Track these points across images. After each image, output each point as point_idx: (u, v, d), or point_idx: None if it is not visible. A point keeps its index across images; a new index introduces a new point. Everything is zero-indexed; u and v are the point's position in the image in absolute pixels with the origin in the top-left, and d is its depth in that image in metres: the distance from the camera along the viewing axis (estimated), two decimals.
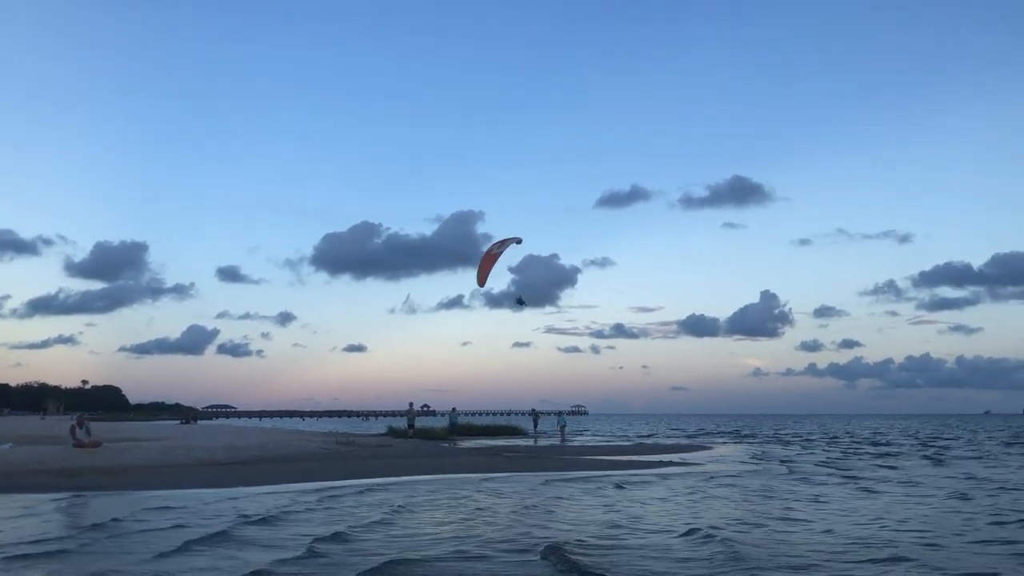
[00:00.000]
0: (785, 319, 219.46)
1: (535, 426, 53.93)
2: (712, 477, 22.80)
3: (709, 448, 40.68)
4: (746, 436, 59.69)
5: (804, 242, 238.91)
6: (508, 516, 14.09)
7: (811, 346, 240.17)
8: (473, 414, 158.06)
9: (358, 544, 10.98)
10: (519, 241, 28.02)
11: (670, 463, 28.91)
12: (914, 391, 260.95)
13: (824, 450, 38.87)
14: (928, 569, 9.25)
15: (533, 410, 56.21)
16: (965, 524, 13.22)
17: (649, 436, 59.73)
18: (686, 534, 11.96)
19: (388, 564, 9.44)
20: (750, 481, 21.58)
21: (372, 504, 15.83)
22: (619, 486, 19.67)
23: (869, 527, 12.77)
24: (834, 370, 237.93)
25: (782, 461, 30.33)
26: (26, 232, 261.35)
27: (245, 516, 13.75)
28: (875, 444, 45.06)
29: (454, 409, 55.54)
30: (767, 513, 14.69)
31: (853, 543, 11.05)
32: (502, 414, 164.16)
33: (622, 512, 14.75)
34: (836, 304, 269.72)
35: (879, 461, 30.07)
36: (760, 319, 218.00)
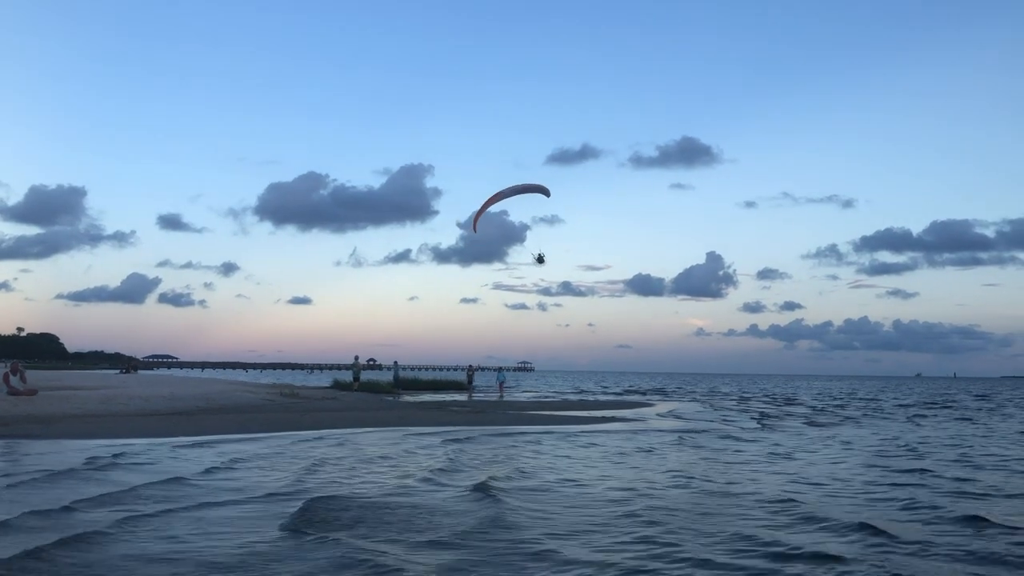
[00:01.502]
0: (729, 280, 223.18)
1: (470, 382, 54.70)
2: (633, 434, 23.56)
3: (643, 406, 41.70)
4: (675, 393, 61.41)
5: (750, 204, 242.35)
6: (440, 466, 14.47)
7: (753, 307, 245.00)
8: (419, 369, 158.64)
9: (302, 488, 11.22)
10: (546, 192, 27.19)
11: (600, 419, 29.68)
12: (851, 353, 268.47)
13: (730, 408, 40.38)
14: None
15: (469, 366, 56.90)
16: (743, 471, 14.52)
17: (584, 392, 61.17)
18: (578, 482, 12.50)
19: (317, 499, 9.72)
20: (653, 439, 22.35)
21: (320, 454, 16.06)
22: (538, 442, 20.14)
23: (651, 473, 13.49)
24: (775, 331, 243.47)
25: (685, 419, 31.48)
26: None
27: (191, 465, 13.85)
28: (785, 404, 46.79)
29: (396, 363, 55.76)
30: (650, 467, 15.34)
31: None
32: (448, 369, 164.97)
33: (542, 462, 15.35)
34: (779, 267, 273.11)
35: (767, 421, 31.01)
36: (705, 280, 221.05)
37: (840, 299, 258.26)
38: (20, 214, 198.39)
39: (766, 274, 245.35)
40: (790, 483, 13.41)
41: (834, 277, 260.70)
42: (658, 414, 34.74)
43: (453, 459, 15.74)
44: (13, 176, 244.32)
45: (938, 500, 11.75)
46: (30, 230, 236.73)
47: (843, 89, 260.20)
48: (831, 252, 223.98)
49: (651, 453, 17.97)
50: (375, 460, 15.47)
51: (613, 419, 29.91)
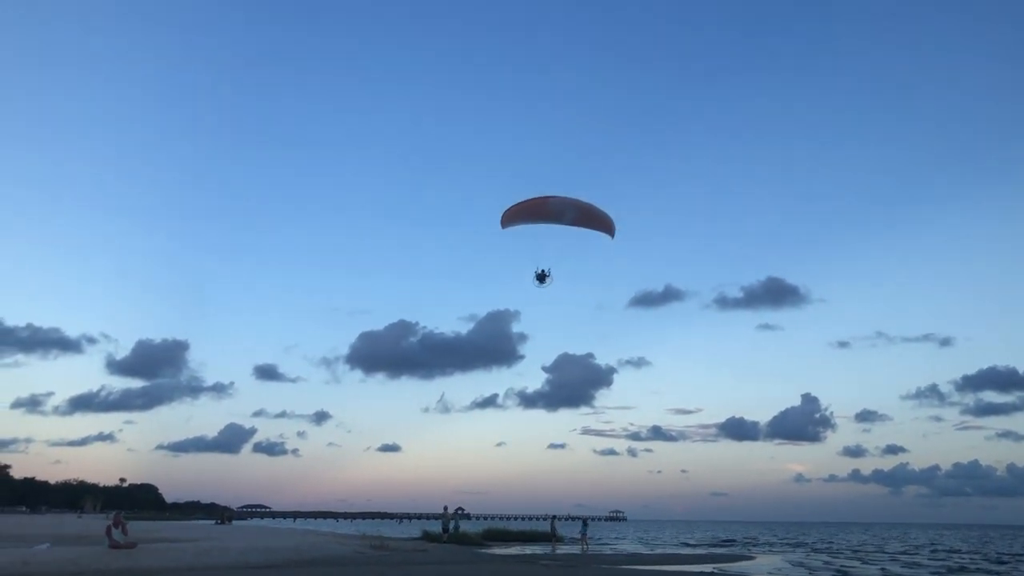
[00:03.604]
0: (827, 423, 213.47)
1: (554, 533, 53.03)
2: None
3: (751, 558, 39.42)
4: (790, 545, 57.68)
5: (843, 344, 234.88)
6: None
7: (854, 451, 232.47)
8: (508, 518, 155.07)
9: None
10: (610, 232, 23.63)
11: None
12: (963, 499, 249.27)
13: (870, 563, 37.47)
14: None
15: (553, 517, 55.52)
16: None
17: (686, 544, 58.11)
18: None
19: None
20: None
21: None
22: None
23: None
24: (879, 476, 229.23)
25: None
26: (72, 330, 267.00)
27: None
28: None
29: (446, 508, 54.04)
30: None
31: None
32: (537, 518, 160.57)
33: None
34: (878, 408, 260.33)
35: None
36: (801, 423, 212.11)
37: (946, 442, 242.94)
38: (127, 367, 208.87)
39: (865, 416, 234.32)
40: None
41: (938, 419, 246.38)
42: (769, 573, 32.73)
43: None
44: (122, 331, 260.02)
45: None
46: (135, 383, 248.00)
47: (932, 225, 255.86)
48: (932, 393, 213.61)
49: None
50: None
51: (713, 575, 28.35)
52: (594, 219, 24.77)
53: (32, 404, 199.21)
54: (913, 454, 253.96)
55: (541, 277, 25.04)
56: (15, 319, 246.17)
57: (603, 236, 24.92)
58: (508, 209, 25.23)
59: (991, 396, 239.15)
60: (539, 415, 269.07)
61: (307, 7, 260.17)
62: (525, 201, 24.59)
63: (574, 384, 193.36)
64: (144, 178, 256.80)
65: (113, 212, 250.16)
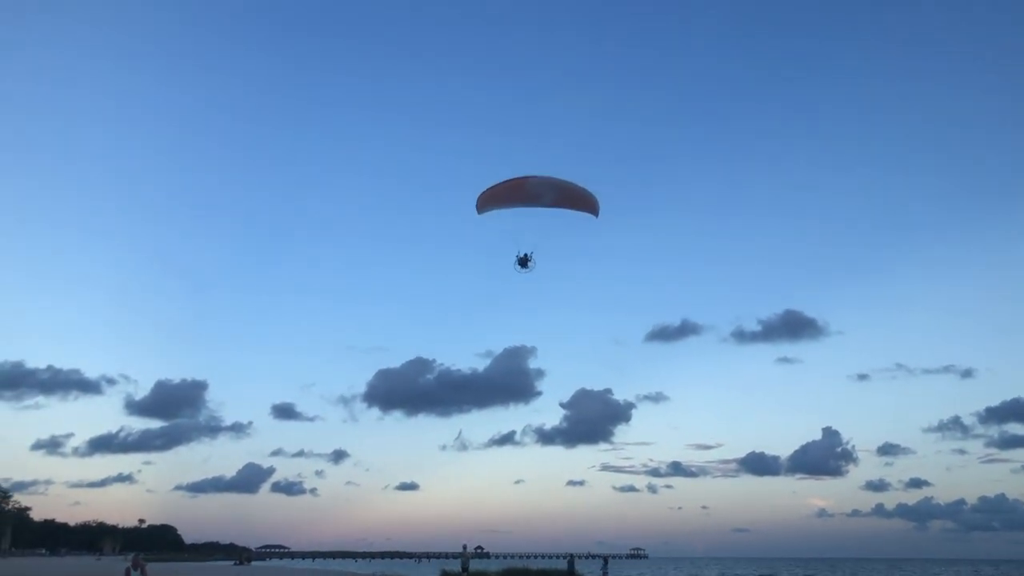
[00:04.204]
0: (849, 457, 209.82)
1: (572, 571, 52.57)
2: None
3: None
4: None
5: (862, 377, 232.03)
6: None
7: (877, 485, 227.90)
8: (528, 556, 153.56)
9: None
10: (594, 211, 21.23)
11: None
12: (991, 534, 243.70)
13: None
14: None
15: (570, 556, 55.30)
16: None
17: None
18: None
19: None
20: None
21: None
22: None
23: None
24: (903, 511, 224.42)
25: None
26: (91, 372, 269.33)
27: None
28: None
29: (479, 548, 54.29)
30: None
31: None
32: (556, 556, 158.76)
33: None
34: (901, 441, 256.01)
35: None
36: (823, 457, 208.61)
37: (971, 475, 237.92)
38: (146, 408, 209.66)
39: (887, 450, 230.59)
40: None
41: (961, 451, 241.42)
42: None
43: None
44: (141, 372, 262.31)
45: None
46: (154, 423, 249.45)
47: (951, 255, 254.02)
48: (955, 425, 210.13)
49: None
50: None
51: None
52: (576, 199, 23.63)
53: (52, 445, 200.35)
54: (937, 488, 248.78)
55: (523, 261, 24.05)
56: (36, 361, 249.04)
57: (587, 216, 23.61)
58: (484, 192, 24.03)
59: (1016, 428, 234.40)
60: (557, 452, 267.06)
61: (331, 42, 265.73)
62: (502, 183, 23.24)
63: (592, 420, 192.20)
64: (162, 220, 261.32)
65: (130, 255, 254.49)
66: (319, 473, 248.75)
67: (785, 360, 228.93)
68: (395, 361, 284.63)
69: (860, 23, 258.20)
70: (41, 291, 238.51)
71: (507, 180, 23.14)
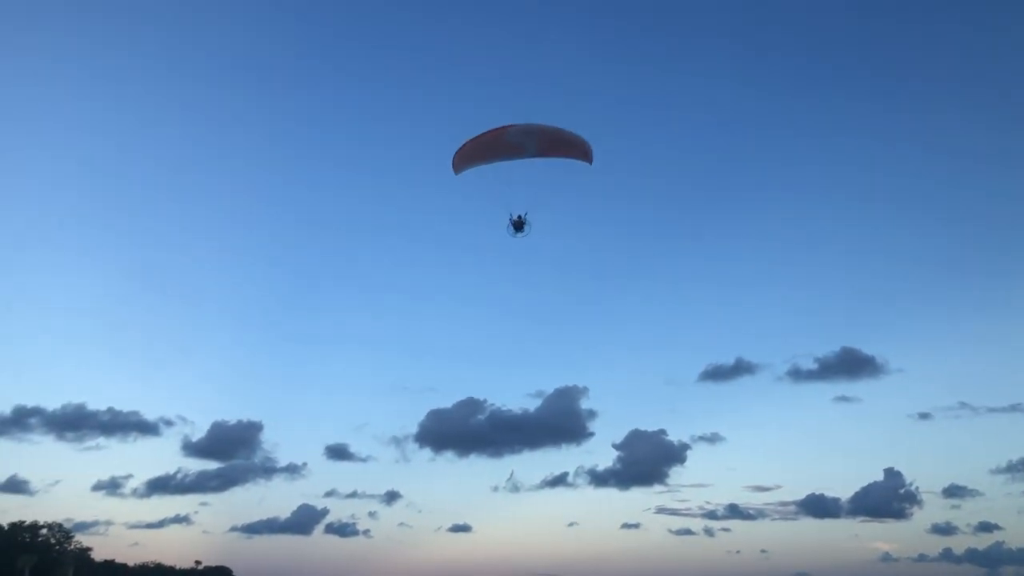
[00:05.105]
0: (912, 499, 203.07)
1: None
2: None
3: None
4: None
5: (924, 416, 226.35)
6: None
7: (944, 529, 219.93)
8: None
9: None
10: (586, 156, 17.21)
11: None
12: None
13: None
14: None
15: None
16: None
17: None
18: None
19: None
20: None
21: None
22: None
23: None
24: (973, 556, 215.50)
25: None
26: (150, 413, 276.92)
27: None
28: None
29: None
30: None
31: None
32: None
33: None
34: (967, 483, 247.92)
35: None
36: (885, 499, 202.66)
37: None
38: (202, 449, 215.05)
39: (953, 491, 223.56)
40: None
41: None
42: None
43: None
44: (198, 413, 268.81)
45: None
46: (211, 464, 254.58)
47: (1014, 288, 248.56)
48: None
49: None
50: None
51: None
52: (564, 145, 19.93)
53: (112, 486, 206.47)
54: (1009, 532, 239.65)
55: (518, 224, 21.19)
56: (97, 403, 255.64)
57: (579, 163, 20.38)
58: (461, 148, 20.99)
59: None
60: (611, 494, 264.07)
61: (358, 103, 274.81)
62: (478, 136, 20.39)
63: (646, 461, 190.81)
64: (217, 267, 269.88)
65: (186, 301, 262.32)
66: (372, 514, 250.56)
67: (843, 399, 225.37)
68: (446, 401, 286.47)
69: (939, 43, 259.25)
70: (102, 335, 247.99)
71: (484, 132, 20.40)
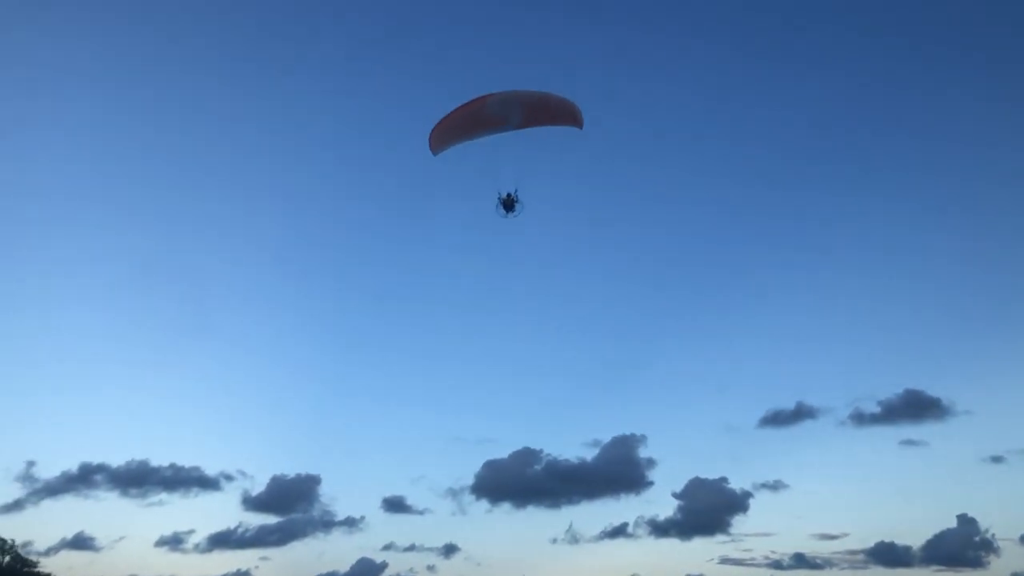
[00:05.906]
0: (988, 547, 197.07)
1: None
2: None
3: None
4: None
5: (996, 459, 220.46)
6: None
7: None
8: None
9: None
10: (576, 121, 16.34)
11: None
12: None
13: None
14: None
15: None
16: None
17: None
18: None
19: None
20: None
21: None
22: None
23: None
24: None
25: None
26: (211, 468, 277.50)
27: None
28: None
29: None
30: None
31: None
32: None
33: None
34: None
35: None
36: (959, 547, 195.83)
37: None
38: (262, 503, 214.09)
39: None
40: None
41: None
42: None
43: None
44: (257, 467, 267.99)
45: None
46: (270, 519, 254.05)
47: None
48: None
49: None
50: None
51: None
52: (550, 111, 18.22)
53: (175, 541, 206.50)
54: None
55: (508, 203, 20.15)
56: (159, 459, 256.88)
57: (569, 130, 19.04)
58: (437, 125, 18.92)
59: None
60: (672, 544, 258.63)
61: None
62: (457, 109, 18.31)
63: (708, 510, 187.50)
64: (271, 320, 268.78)
65: (244, 354, 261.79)
66: (431, 568, 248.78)
67: (909, 443, 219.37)
68: (502, 452, 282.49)
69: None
70: (163, 393, 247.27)
71: (462, 105, 18.33)
